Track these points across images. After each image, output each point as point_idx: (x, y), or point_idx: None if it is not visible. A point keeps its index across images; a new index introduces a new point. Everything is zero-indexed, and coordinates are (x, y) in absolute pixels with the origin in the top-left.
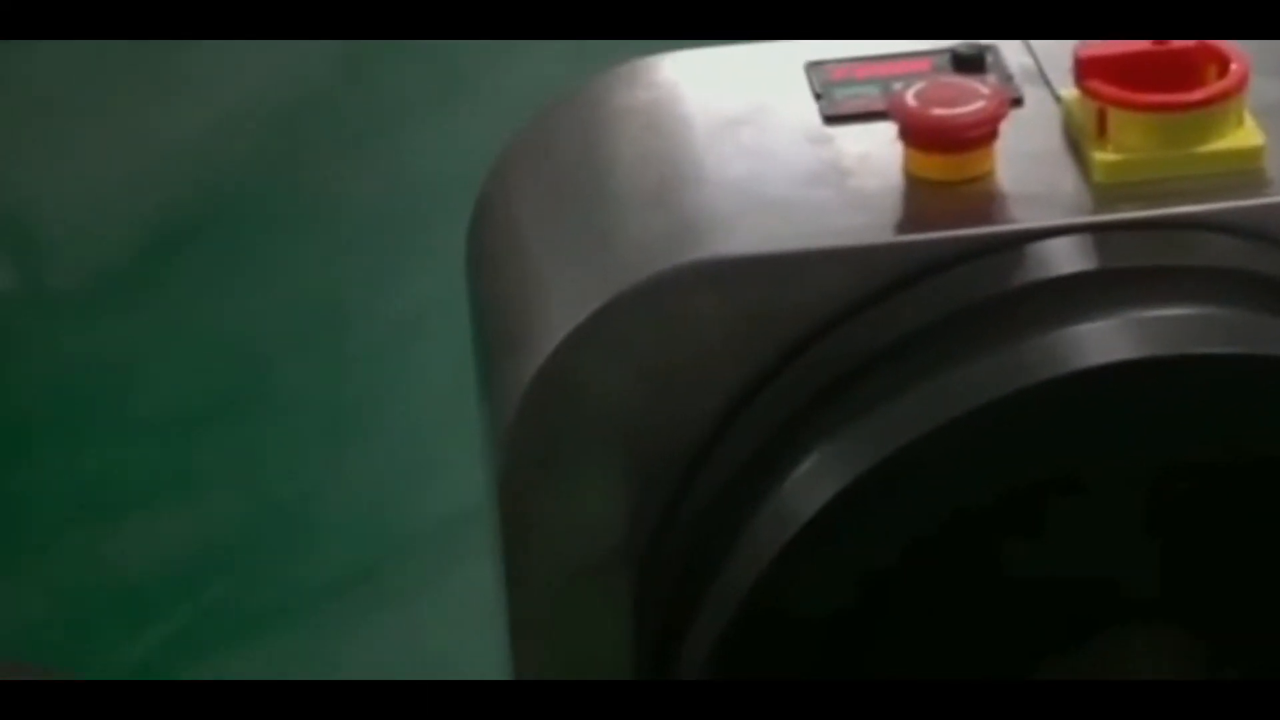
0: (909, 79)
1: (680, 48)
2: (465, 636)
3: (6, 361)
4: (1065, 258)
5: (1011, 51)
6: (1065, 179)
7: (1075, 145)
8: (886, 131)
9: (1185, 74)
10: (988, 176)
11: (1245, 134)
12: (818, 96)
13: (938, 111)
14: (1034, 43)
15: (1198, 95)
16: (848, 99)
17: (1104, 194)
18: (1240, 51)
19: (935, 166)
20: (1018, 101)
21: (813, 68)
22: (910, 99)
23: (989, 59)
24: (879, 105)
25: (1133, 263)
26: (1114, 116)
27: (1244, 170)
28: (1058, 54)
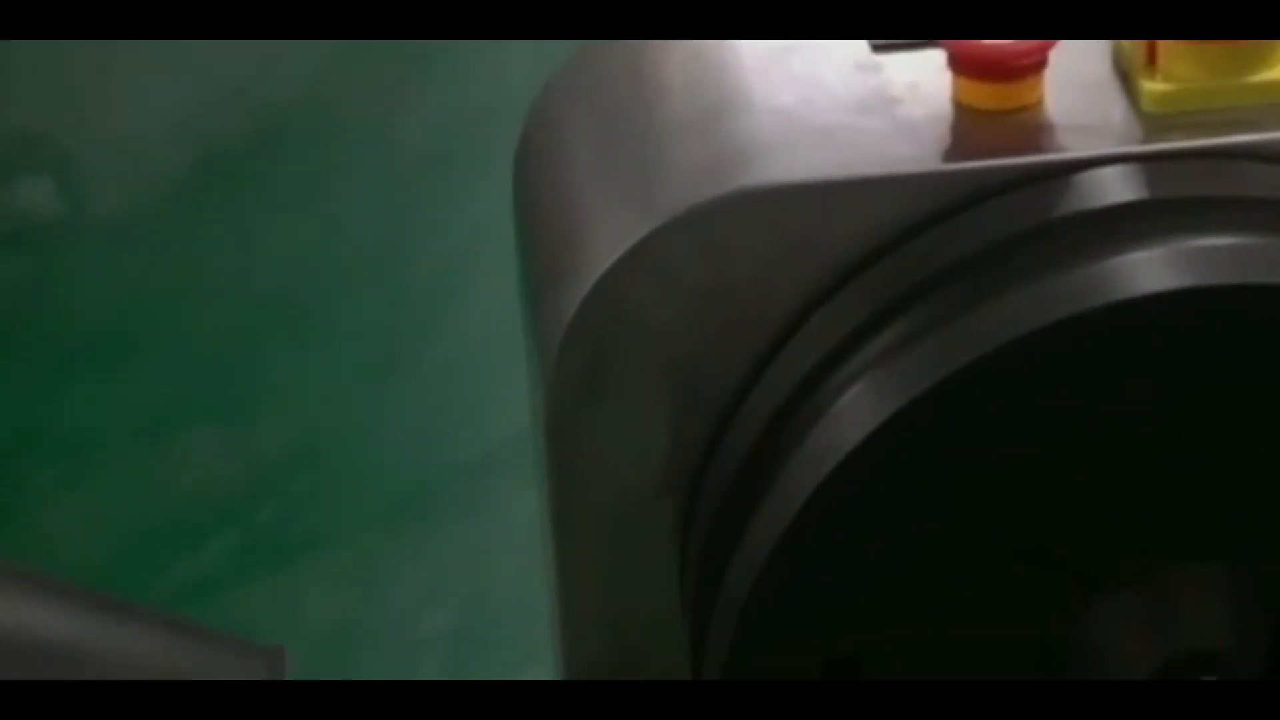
0: None
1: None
2: (508, 565)
3: (55, 288)
4: (1114, 187)
5: None
6: (1115, 109)
7: (1125, 75)
8: (935, 59)
9: None
10: (1037, 105)
11: None
12: None
13: (987, 40)
14: None
15: None
16: None
17: (1153, 124)
18: None
19: (984, 95)
20: None
21: None
22: None
23: None
24: None
25: (1181, 192)
26: (1164, 46)
27: None
28: None
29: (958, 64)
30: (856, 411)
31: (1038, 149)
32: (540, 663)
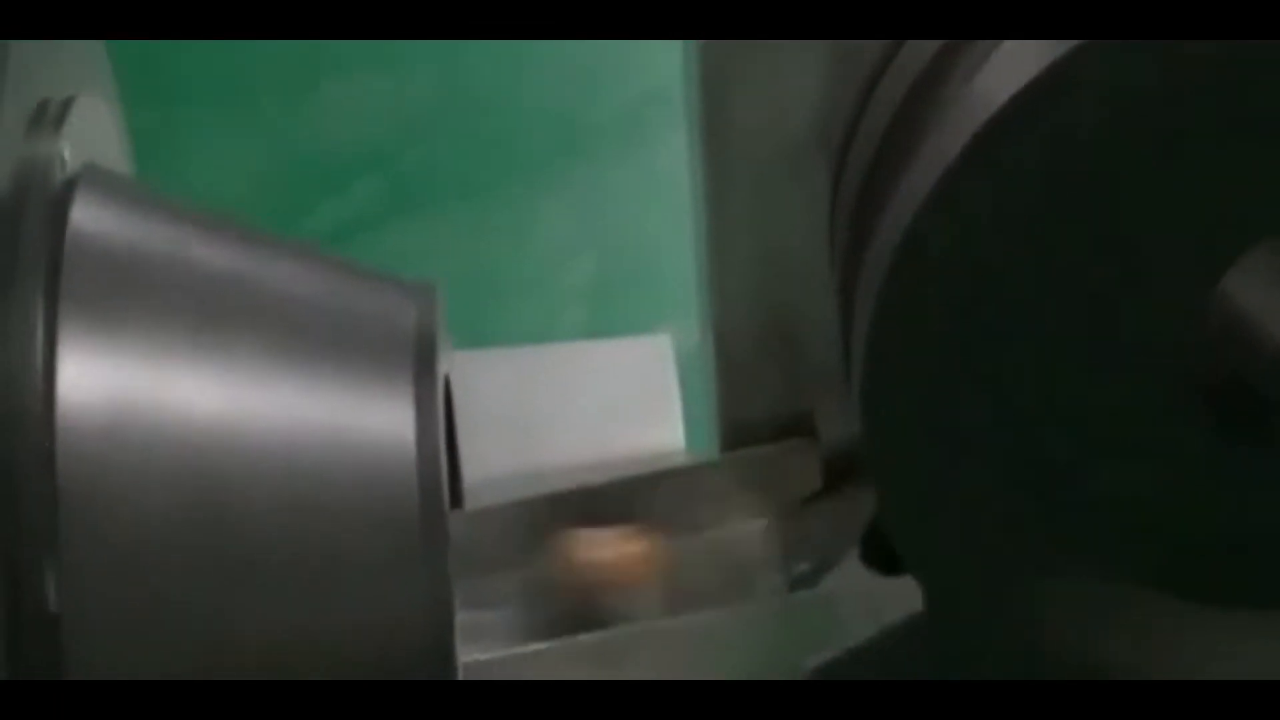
0: None
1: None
2: (656, 212)
3: None
4: None
5: None
6: None
7: None
8: None
9: None
10: None
11: None
12: None
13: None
14: None
15: None
16: None
17: None
18: None
19: None
20: None
21: None
22: None
23: None
24: None
25: None
26: None
27: None
28: None
29: None
30: (1016, 61)
31: None
32: (685, 312)
